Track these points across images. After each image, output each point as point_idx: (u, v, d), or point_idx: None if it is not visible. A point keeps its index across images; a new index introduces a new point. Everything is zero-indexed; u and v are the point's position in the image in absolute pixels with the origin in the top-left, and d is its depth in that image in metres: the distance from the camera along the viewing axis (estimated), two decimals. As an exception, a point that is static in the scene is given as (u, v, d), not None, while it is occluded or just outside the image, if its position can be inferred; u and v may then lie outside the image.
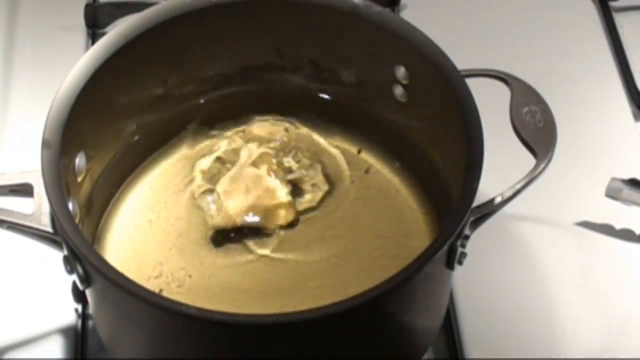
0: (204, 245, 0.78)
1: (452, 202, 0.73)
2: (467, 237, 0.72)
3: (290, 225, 0.79)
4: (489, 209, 0.73)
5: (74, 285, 0.76)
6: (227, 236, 0.78)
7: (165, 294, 0.74)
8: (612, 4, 1.05)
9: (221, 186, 0.80)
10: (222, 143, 0.83)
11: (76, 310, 0.83)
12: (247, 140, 0.83)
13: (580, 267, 0.86)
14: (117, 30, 0.79)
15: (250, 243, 0.78)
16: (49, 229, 0.72)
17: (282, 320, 0.67)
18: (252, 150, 0.81)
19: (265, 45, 0.84)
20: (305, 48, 0.83)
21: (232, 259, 0.77)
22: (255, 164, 0.81)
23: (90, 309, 0.80)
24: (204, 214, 0.79)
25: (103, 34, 0.95)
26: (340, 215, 0.79)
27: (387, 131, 0.83)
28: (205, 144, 0.84)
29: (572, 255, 0.87)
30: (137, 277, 0.75)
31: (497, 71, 0.79)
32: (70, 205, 0.71)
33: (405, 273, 0.67)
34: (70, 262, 0.71)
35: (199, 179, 0.81)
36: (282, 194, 0.79)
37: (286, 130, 0.84)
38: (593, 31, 1.04)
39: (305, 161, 0.82)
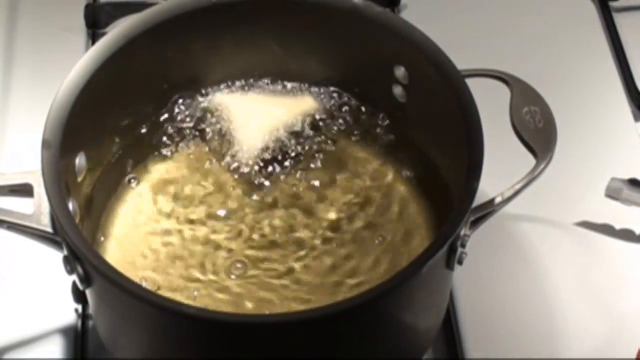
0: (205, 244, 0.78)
1: (452, 202, 0.73)
2: (467, 237, 0.72)
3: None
4: (489, 209, 0.73)
5: (74, 285, 0.76)
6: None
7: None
8: (612, 4, 1.05)
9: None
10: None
11: (76, 310, 0.83)
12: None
13: (580, 267, 0.86)
14: (117, 30, 0.79)
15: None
16: (49, 229, 0.72)
17: (282, 320, 0.67)
18: None
19: (265, 45, 0.84)
20: (304, 48, 0.83)
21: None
22: None
23: (90, 309, 0.80)
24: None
25: (103, 34, 0.95)
26: (339, 215, 0.79)
27: (386, 131, 0.83)
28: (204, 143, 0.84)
29: (572, 255, 0.87)
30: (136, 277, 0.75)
31: (497, 71, 0.79)
32: (70, 205, 0.71)
33: (405, 273, 0.67)
34: (70, 262, 0.71)
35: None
36: None
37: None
38: (593, 31, 1.04)
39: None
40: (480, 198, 0.71)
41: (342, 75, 0.84)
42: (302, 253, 0.77)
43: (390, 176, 0.81)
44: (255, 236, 0.78)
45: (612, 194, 0.87)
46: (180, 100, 0.84)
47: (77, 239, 0.68)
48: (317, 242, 0.78)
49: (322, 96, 0.85)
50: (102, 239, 0.78)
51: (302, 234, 0.78)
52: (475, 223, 0.73)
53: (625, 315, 0.84)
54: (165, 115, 0.84)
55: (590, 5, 1.06)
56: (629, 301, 0.85)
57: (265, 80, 0.85)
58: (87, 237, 0.71)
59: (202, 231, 0.78)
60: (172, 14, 0.80)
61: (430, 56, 0.77)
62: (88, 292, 0.74)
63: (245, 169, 0.81)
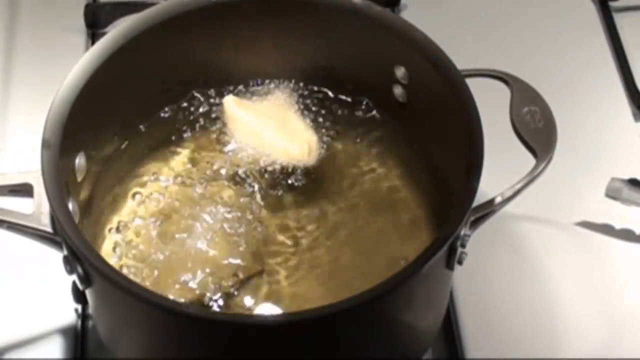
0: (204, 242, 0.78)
1: (452, 202, 0.73)
2: (467, 237, 0.72)
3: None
4: (489, 209, 0.73)
5: (74, 285, 0.76)
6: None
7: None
8: (612, 4, 1.05)
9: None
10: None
11: (76, 310, 0.83)
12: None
13: (580, 267, 0.86)
14: (117, 30, 0.79)
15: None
16: (49, 229, 0.72)
17: (282, 320, 0.68)
18: None
19: (265, 45, 0.84)
20: (304, 48, 0.84)
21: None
22: None
23: (90, 309, 0.80)
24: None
25: (103, 34, 0.95)
26: (341, 216, 0.79)
27: (387, 131, 0.83)
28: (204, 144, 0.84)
29: (572, 255, 0.87)
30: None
31: (497, 71, 0.79)
32: (70, 205, 0.71)
33: (405, 273, 0.67)
34: (70, 262, 0.71)
35: None
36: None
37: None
38: (593, 31, 1.04)
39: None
40: (480, 198, 0.71)
41: (342, 75, 0.84)
42: (299, 254, 0.77)
43: (390, 176, 0.81)
44: (254, 241, 0.78)
45: (612, 194, 0.87)
46: (180, 101, 0.84)
47: (77, 239, 0.68)
48: (316, 242, 0.78)
49: (322, 96, 0.85)
50: (102, 238, 0.78)
51: (302, 234, 0.78)
52: (475, 223, 0.73)
53: (625, 315, 0.84)
54: (165, 116, 0.84)
55: (590, 5, 1.06)
56: (629, 301, 0.85)
57: (265, 81, 0.86)
58: (87, 237, 0.71)
59: (201, 232, 0.78)
60: (172, 14, 0.80)
61: (430, 56, 0.77)
62: (88, 292, 0.74)
63: (244, 175, 0.80)
